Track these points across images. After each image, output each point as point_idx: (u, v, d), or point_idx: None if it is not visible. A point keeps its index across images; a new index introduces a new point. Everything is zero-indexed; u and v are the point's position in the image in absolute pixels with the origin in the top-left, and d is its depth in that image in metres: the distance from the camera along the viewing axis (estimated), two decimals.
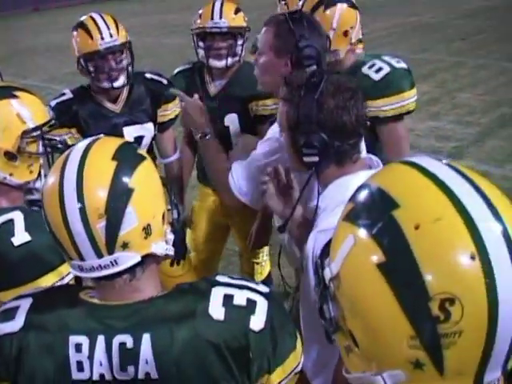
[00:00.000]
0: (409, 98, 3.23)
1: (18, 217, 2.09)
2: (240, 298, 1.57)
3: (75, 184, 1.50)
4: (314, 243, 2.00)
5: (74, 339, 1.54)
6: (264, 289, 1.65)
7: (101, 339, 1.54)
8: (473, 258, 1.00)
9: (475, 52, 12.81)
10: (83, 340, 1.54)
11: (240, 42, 3.89)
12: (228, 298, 1.56)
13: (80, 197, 1.48)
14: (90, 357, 1.54)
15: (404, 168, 1.15)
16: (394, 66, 3.24)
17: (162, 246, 1.61)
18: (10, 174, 2.23)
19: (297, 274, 3.13)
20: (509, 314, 1.01)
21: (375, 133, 3.26)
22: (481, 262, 1.00)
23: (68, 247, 1.53)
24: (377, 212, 1.10)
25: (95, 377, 1.54)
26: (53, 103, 3.59)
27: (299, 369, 1.67)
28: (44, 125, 2.29)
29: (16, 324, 1.59)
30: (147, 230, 1.55)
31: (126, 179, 1.52)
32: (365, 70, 3.23)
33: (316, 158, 2.08)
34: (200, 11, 4.01)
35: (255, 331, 1.54)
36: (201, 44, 3.94)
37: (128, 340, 1.53)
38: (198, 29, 3.95)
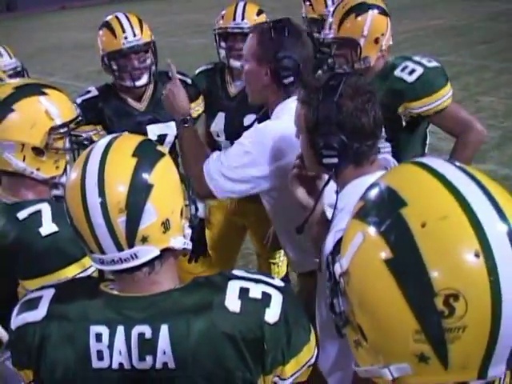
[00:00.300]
0: (447, 94, 3.23)
1: (45, 208, 2.17)
2: (255, 291, 1.61)
3: (97, 179, 1.55)
4: (332, 243, 2.03)
5: (94, 329, 1.60)
6: (279, 283, 1.69)
7: (120, 329, 1.59)
8: (477, 255, 1.04)
9: (499, 55, 12.73)
10: (103, 330, 1.59)
11: None
12: (244, 291, 1.60)
13: (101, 192, 1.54)
14: (110, 346, 1.59)
15: (414, 168, 1.19)
16: (427, 66, 3.23)
17: (180, 240, 1.65)
18: (37, 169, 2.29)
19: (300, 280, 3.15)
20: None
21: (411, 129, 3.30)
22: (485, 259, 1.04)
23: (89, 241, 1.58)
24: (385, 210, 1.14)
25: (114, 365, 1.59)
26: (78, 100, 3.65)
27: (312, 361, 1.71)
28: (71, 122, 2.35)
29: (39, 313, 1.65)
30: (166, 225, 1.59)
31: (145, 175, 1.57)
32: (397, 73, 3.22)
33: (335, 160, 2.11)
34: (223, 12, 4.06)
35: (270, 323, 1.58)
36: (222, 44, 3.98)
37: (146, 330, 1.58)
38: (220, 29, 4.00)
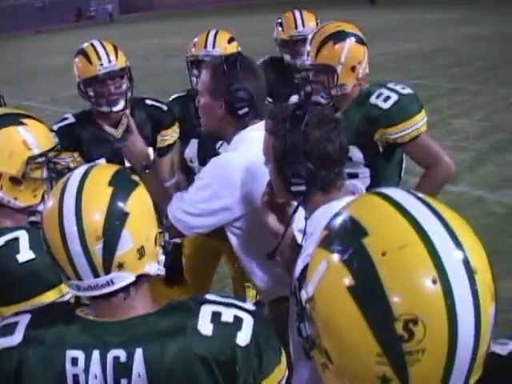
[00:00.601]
0: (421, 121, 3.29)
1: (22, 235, 2.19)
2: (227, 315, 1.67)
3: (74, 208, 1.60)
4: (302, 267, 2.09)
5: (70, 353, 1.64)
6: (251, 307, 1.75)
7: (96, 353, 1.63)
8: (434, 282, 1.10)
9: (472, 78, 12.96)
10: (79, 354, 1.63)
11: None
12: (216, 315, 1.66)
13: (79, 220, 1.59)
14: (86, 370, 1.63)
15: (375, 199, 1.25)
16: (401, 93, 3.30)
17: (154, 266, 1.71)
18: (15, 198, 2.32)
19: (269, 307, 3.19)
20: (468, 334, 1.11)
21: (388, 155, 3.37)
22: (442, 286, 1.10)
23: (66, 267, 1.63)
24: (348, 239, 1.20)
25: None
26: (55, 127, 3.66)
27: (283, 383, 1.76)
28: (49, 151, 2.38)
29: (15, 339, 1.68)
30: (141, 252, 1.65)
31: (121, 204, 1.63)
32: (373, 100, 3.29)
33: (303, 188, 2.17)
34: (195, 40, 4.13)
35: (241, 346, 1.64)
36: (194, 72, 4.03)
37: (122, 354, 1.63)
38: (192, 57, 4.07)
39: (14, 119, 2.35)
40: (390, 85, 3.37)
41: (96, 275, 1.62)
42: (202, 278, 4.35)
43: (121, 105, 3.70)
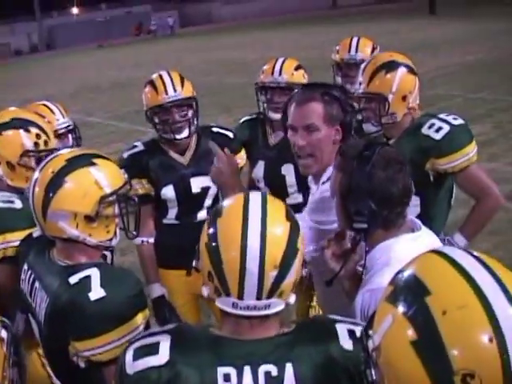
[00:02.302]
0: (472, 151, 3.38)
1: (94, 273, 2.30)
2: (359, 331, 1.78)
3: (260, 233, 1.74)
4: (361, 301, 2.21)
5: (221, 370, 1.74)
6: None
7: (247, 369, 1.75)
8: (491, 340, 1.20)
9: None
10: (231, 370, 1.74)
11: None
12: (351, 332, 1.82)
13: (263, 245, 1.73)
14: None
15: (437, 259, 1.37)
16: (453, 124, 3.37)
17: (294, 297, 1.85)
18: (89, 235, 2.45)
19: None
20: None
21: (438, 184, 3.44)
22: (497, 344, 1.20)
23: (232, 283, 1.75)
24: (412, 297, 1.32)
25: None
26: (125, 155, 3.86)
27: None
28: (119, 189, 2.49)
29: (161, 358, 1.76)
30: (295, 284, 1.82)
31: (295, 239, 1.80)
32: (425, 130, 3.37)
33: (365, 225, 2.27)
34: (264, 67, 4.32)
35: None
36: (262, 97, 4.23)
37: (273, 369, 1.75)
38: (260, 83, 4.26)
39: (85, 160, 2.47)
40: (442, 115, 3.45)
41: (259, 298, 1.75)
42: None
43: (185, 133, 3.85)
